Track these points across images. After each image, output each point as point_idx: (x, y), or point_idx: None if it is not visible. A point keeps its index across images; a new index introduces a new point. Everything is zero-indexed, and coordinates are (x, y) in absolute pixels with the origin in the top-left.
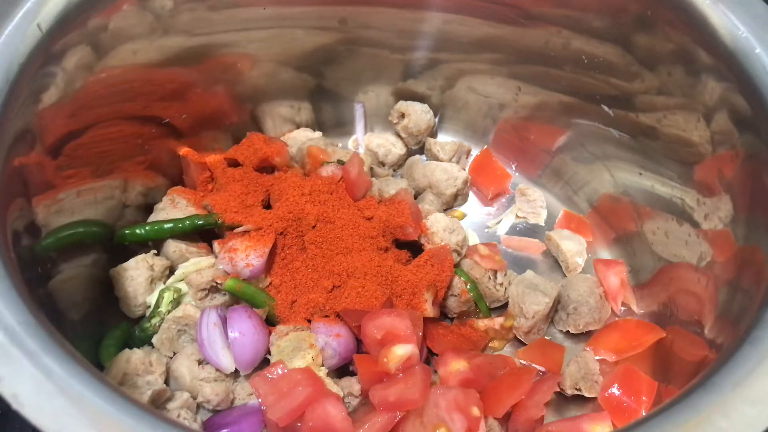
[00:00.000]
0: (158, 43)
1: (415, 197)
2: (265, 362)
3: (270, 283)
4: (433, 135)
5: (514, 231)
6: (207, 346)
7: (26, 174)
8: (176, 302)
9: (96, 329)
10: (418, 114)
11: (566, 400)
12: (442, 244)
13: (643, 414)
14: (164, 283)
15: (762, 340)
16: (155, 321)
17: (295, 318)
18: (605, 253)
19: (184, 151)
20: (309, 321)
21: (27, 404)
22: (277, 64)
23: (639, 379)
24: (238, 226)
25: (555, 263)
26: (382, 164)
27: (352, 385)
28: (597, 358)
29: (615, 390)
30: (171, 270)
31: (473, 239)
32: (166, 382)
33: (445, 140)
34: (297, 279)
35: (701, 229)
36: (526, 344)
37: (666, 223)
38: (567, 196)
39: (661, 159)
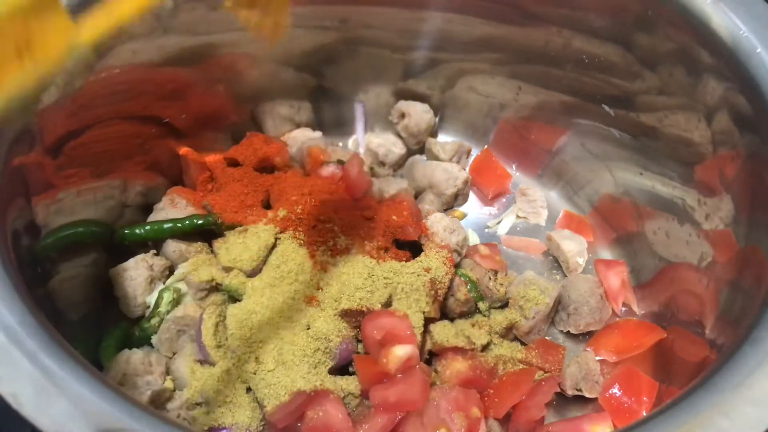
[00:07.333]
0: (158, 43)
1: (415, 197)
2: None
3: None
4: (434, 135)
5: (514, 231)
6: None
7: (26, 174)
8: (176, 302)
9: (96, 329)
10: (419, 114)
11: (567, 401)
12: (442, 244)
13: (644, 414)
14: (164, 283)
15: (763, 341)
16: (155, 321)
17: None
18: (606, 253)
19: (183, 150)
20: None
21: (27, 404)
22: (277, 64)
23: (640, 380)
24: (238, 226)
25: (555, 263)
26: (383, 164)
27: (352, 385)
28: (598, 358)
29: (616, 390)
30: (171, 270)
31: (473, 239)
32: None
33: (446, 140)
34: None
35: (702, 229)
36: (526, 344)
37: (667, 223)
38: (568, 196)
39: (662, 159)
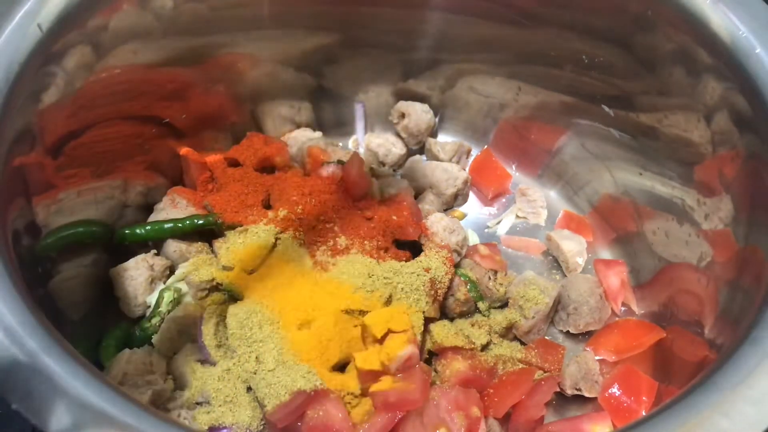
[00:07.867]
0: (158, 43)
1: (415, 197)
2: None
3: None
4: (434, 135)
5: (514, 231)
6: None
7: (26, 174)
8: (176, 302)
9: (96, 329)
10: (419, 114)
11: (566, 400)
12: (442, 244)
13: (644, 414)
14: (164, 283)
15: (762, 340)
16: (155, 321)
17: None
18: (605, 253)
19: (184, 151)
20: None
21: (27, 404)
22: (277, 64)
23: (639, 379)
24: (238, 226)
25: (555, 263)
26: (383, 164)
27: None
28: (597, 358)
29: (615, 390)
30: (171, 270)
31: (473, 239)
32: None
33: (446, 140)
34: None
35: (702, 229)
36: (526, 344)
37: (666, 223)
38: (567, 196)
39: (662, 159)
